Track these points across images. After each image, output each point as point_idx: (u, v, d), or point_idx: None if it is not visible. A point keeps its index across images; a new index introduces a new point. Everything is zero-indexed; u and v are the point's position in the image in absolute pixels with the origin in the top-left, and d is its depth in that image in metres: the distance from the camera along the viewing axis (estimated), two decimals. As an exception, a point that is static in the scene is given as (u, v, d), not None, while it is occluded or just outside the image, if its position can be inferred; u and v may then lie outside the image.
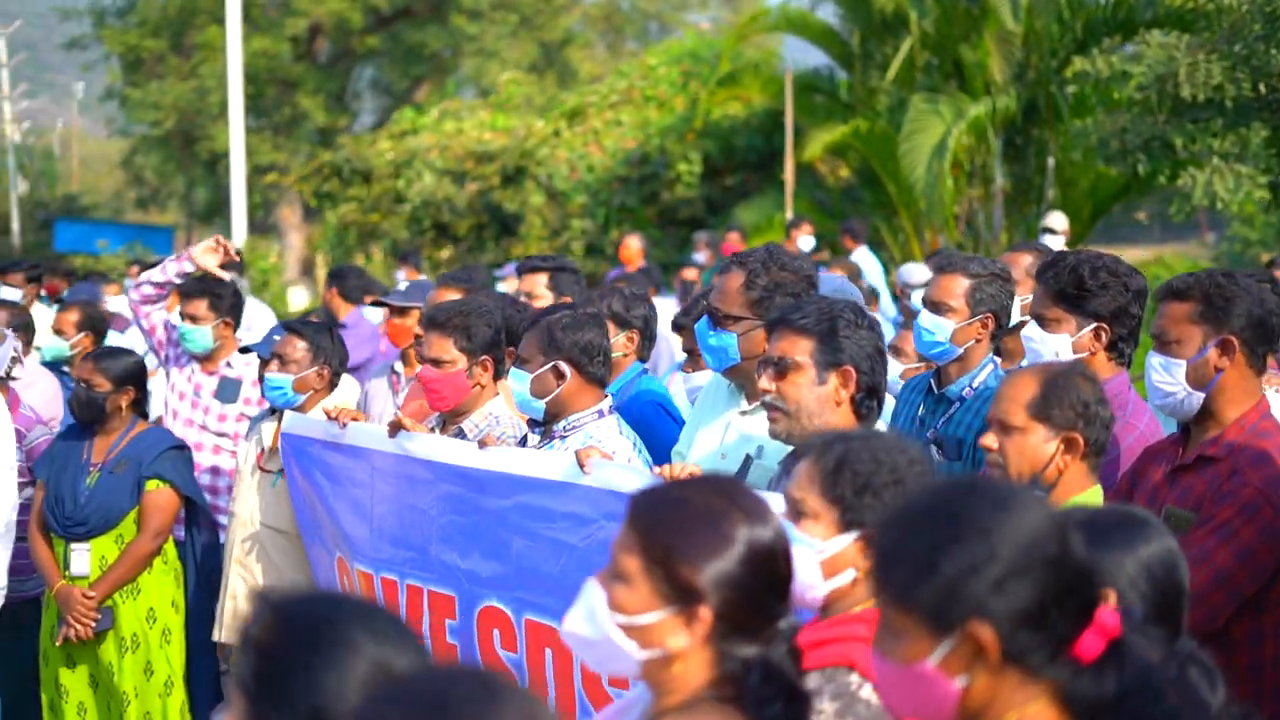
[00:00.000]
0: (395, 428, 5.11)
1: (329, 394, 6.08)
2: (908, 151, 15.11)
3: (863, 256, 13.67)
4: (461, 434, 5.28)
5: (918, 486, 2.83)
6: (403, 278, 16.50)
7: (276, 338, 6.13)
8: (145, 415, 6.45)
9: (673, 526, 2.47)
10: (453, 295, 6.23)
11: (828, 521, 2.91)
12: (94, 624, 6.09)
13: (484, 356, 5.24)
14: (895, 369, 6.09)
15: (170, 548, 6.31)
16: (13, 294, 11.13)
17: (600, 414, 4.83)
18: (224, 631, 6.08)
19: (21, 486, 6.49)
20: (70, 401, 6.33)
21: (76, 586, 6.11)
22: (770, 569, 2.48)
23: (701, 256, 15.23)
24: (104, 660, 6.17)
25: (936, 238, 16.12)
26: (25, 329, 7.91)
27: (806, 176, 18.16)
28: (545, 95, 28.32)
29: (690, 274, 13.29)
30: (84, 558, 6.15)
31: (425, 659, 2.05)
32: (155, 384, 7.85)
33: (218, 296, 7.29)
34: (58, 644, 6.17)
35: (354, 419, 5.37)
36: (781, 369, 3.92)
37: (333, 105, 36.26)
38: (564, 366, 4.78)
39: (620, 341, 5.78)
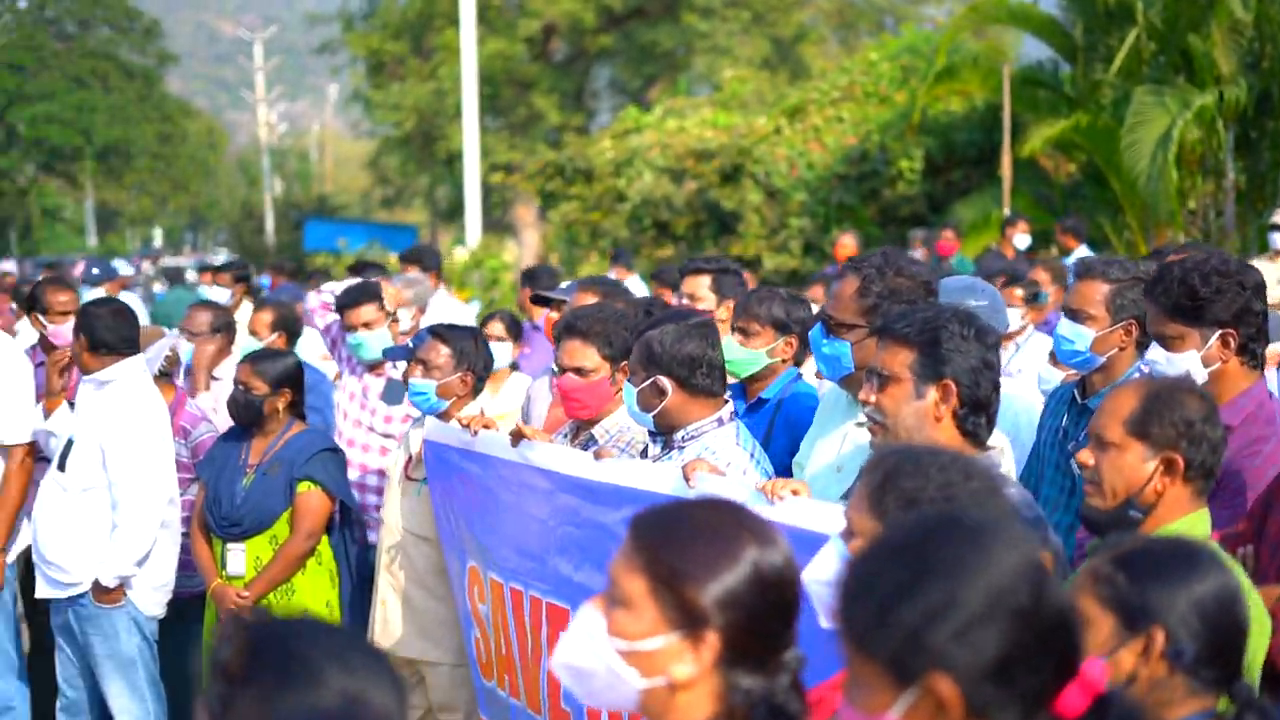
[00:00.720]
0: (517, 436, 5.05)
1: (473, 400, 6.04)
2: (1131, 145, 14.56)
3: (1083, 256, 13.21)
4: (593, 441, 5.20)
5: (972, 505, 2.65)
6: (612, 278, 16.58)
7: (419, 342, 6.13)
8: (303, 417, 6.51)
9: (678, 546, 2.35)
10: (590, 300, 6.14)
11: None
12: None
13: (624, 363, 5.13)
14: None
15: (325, 549, 6.36)
16: (221, 294, 11.46)
17: (720, 422, 4.69)
18: (375, 636, 6.09)
19: (188, 484, 6.64)
20: (229, 403, 6.43)
21: (232, 586, 6.20)
22: (778, 594, 2.34)
23: (918, 255, 14.92)
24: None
25: (1163, 235, 15.50)
26: (227, 329, 8.08)
27: (1029, 173, 17.66)
28: (776, 92, 28.18)
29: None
30: (239, 558, 6.24)
31: (397, 692, 1.96)
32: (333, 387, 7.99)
33: (378, 297, 7.36)
34: (213, 643, 6.26)
35: (484, 426, 5.33)
36: (882, 381, 3.73)
37: (568, 104, 36.65)
38: (664, 381, 4.64)
39: (780, 346, 5.63)
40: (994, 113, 17.30)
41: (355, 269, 11.07)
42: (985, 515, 2.03)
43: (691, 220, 20.93)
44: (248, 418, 6.34)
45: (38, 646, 7.64)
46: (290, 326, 8.57)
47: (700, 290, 6.78)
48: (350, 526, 6.47)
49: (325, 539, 6.37)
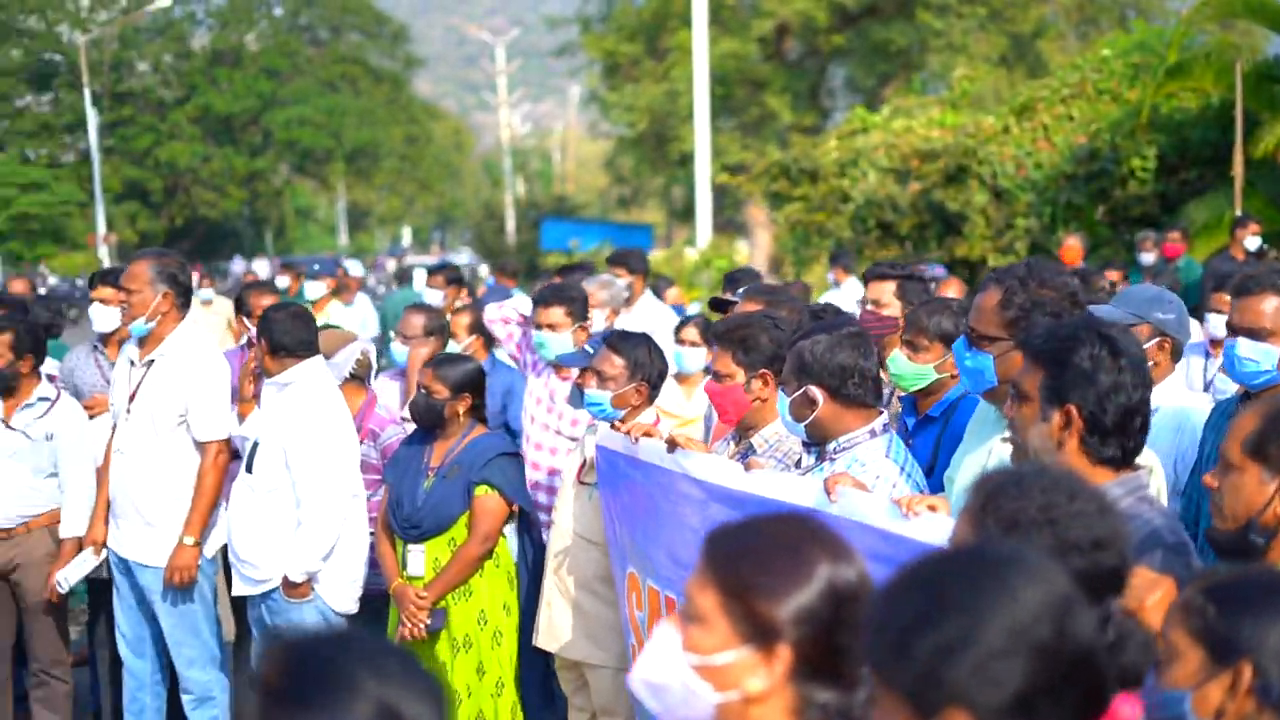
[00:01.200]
0: (671, 444, 5.07)
1: (648, 408, 6.07)
2: (1371, 144, 13.94)
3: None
4: (751, 450, 5.19)
5: (1078, 527, 2.58)
6: (832, 279, 16.45)
7: (593, 350, 6.18)
8: (484, 421, 6.63)
9: (750, 561, 2.35)
10: (752, 308, 6.11)
11: None
12: (426, 624, 6.31)
13: (763, 370, 5.11)
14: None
15: (503, 551, 6.47)
16: (434, 296, 11.71)
17: (872, 434, 4.64)
18: (541, 637, 6.18)
19: (376, 486, 6.82)
20: (410, 407, 6.57)
21: (411, 586, 6.34)
22: (853, 609, 2.32)
23: (1149, 257, 14.49)
24: (438, 659, 6.37)
25: None
26: (440, 333, 8.25)
27: (1265, 172, 16.99)
28: (1012, 90, 27.67)
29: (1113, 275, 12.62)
30: (419, 559, 6.38)
31: (435, 706, 1.99)
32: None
33: (573, 302, 7.42)
34: (396, 641, 6.44)
35: (645, 434, 5.36)
36: (1018, 397, 3.64)
37: (801, 104, 36.55)
38: (815, 392, 4.60)
39: (949, 360, 5.53)
40: (1230, 110, 16.70)
41: (561, 270, 11.19)
42: (1009, 548, 1.98)
43: (915, 221, 20.66)
44: (429, 421, 6.48)
45: (240, 639, 7.93)
46: (487, 329, 8.71)
47: (885, 296, 6.70)
48: (531, 529, 6.57)
49: (503, 541, 6.49)
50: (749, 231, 35.50)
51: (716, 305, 7.17)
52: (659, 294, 13.38)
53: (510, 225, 56.51)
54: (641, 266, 11.30)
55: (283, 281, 16.42)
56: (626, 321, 9.99)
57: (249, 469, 6.42)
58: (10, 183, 64.37)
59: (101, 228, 54.48)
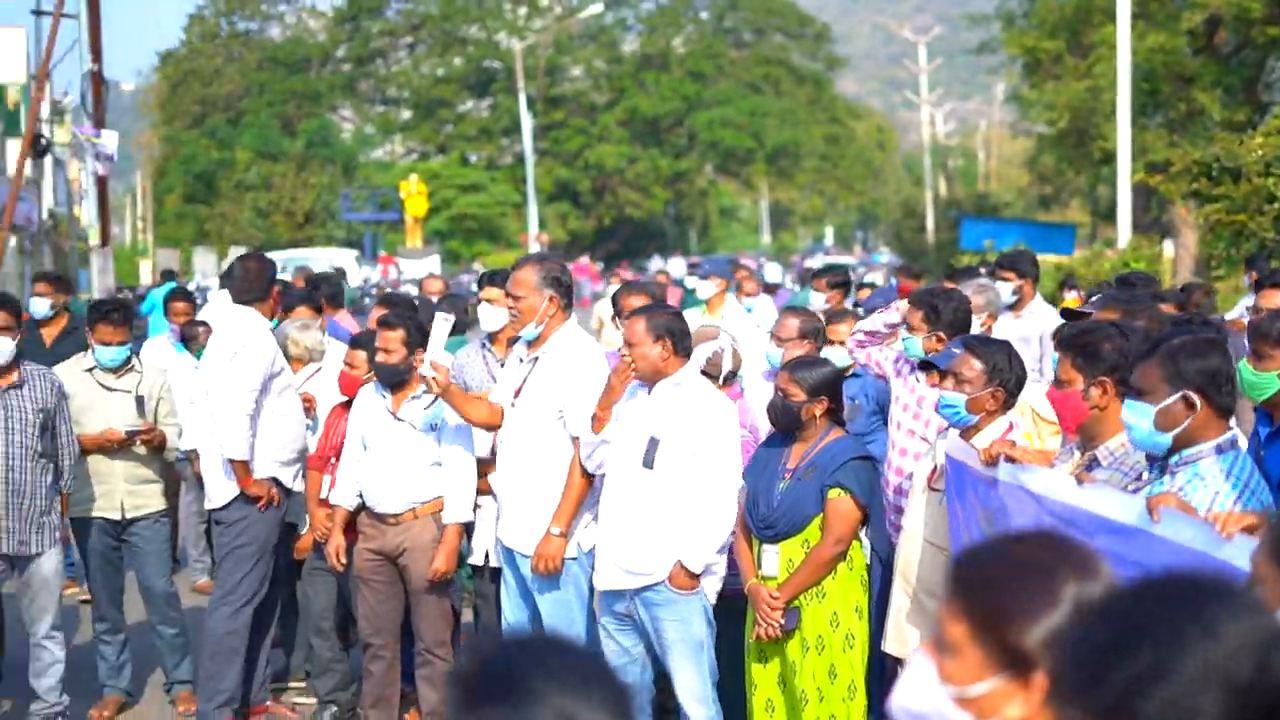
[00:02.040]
0: (996, 457, 4.99)
1: (1003, 414, 5.97)
2: None
3: None
4: (1096, 463, 5.05)
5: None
6: (1248, 283, 15.65)
7: (956, 352, 6.10)
8: (842, 424, 6.64)
9: (995, 587, 2.30)
10: (1111, 316, 5.92)
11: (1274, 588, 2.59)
12: (779, 624, 6.38)
13: (1103, 378, 4.96)
14: None
15: (857, 554, 6.48)
16: (818, 299, 11.75)
17: (1218, 449, 4.45)
18: (890, 643, 6.16)
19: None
20: (768, 408, 6.65)
21: (765, 586, 6.42)
22: None
23: None
24: (789, 659, 6.43)
25: None
26: (815, 336, 8.26)
27: None
28: None
29: None
30: (773, 559, 6.45)
31: (616, 712, 2.06)
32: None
33: (933, 308, 7.35)
34: (750, 640, 6.54)
35: (994, 455, 5.26)
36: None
37: (1233, 100, 34.86)
38: (1194, 397, 4.44)
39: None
40: None
41: (951, 273, 11.08)
42: (1215, 579, 1.90)
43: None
44: (785, 423, 6.55)
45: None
46: (811, 335, 8.61)
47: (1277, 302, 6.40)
48: (885, 533, 6.56)
49: (857, 544, 6.49)
50: (1175, 232, 34.08)
51: (1070, 315, 6.97)
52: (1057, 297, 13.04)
53: (930, 224, 55.97)
54: (1031, 270, 11.05)
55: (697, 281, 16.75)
56: (1012, 326, 9.81)
57: (647, 464, 6.56)
58: (452, 184, 67.87)
59: (534, 227, 56.82)
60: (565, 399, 6.86)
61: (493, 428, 7.21)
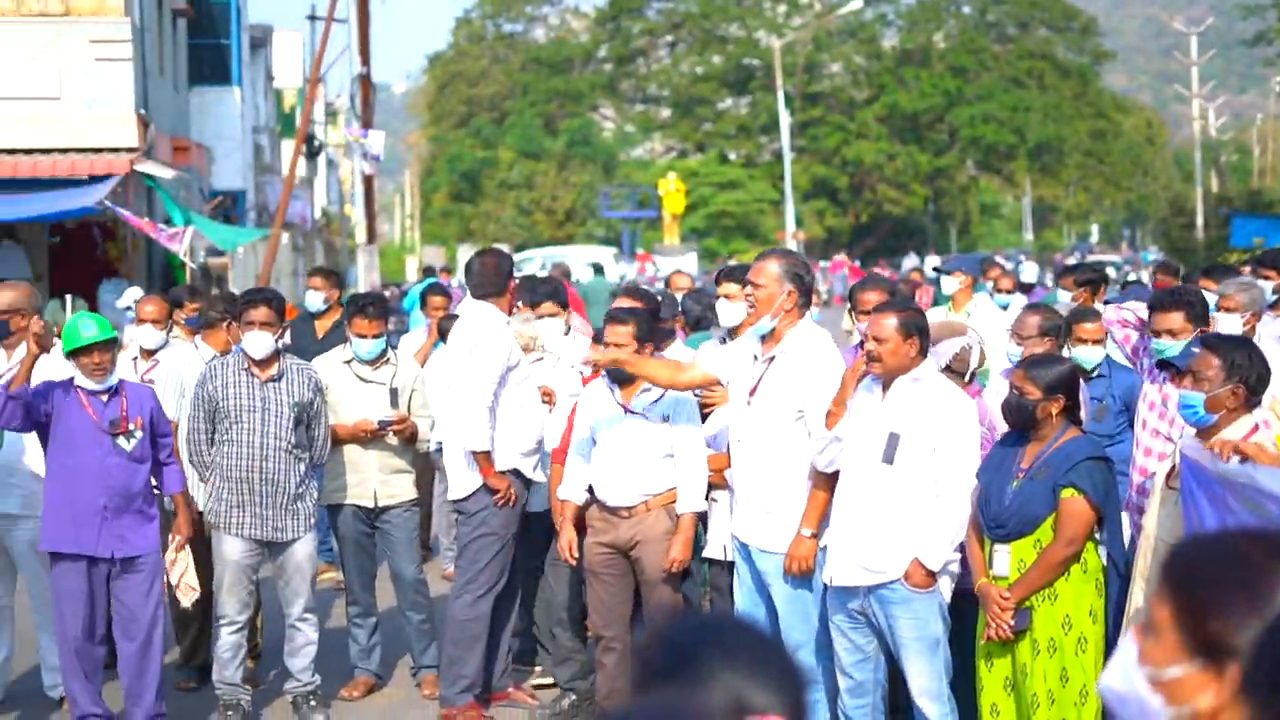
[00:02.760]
0: (1243, 455, 4.86)
1: (1248, 413, 5.81)
2: None
3: None
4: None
5: None
6: None
7: (1195, 350, 5.97)
8: (1078, 423, 6.53)
9: (1207, 576, 2.30)
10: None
11: None
12: (1010, 624, 6.30)
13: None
14: None
15: (1091, 556, 6.35)
16: (1065, 297, 11.47)
17: None
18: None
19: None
20: (1002, 406, 6.58)
21: (996, 586, 6.35)
22: None
23: None
24: (1019, 660, 6.35)
25: None
26: (1056, 334, 8.16)
27: None
28: None
29: None
30: (1004, 559, 6.37)
31: (785, 694, 2.09)
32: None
33: (1191, 306, 7.19)
34: (981, 641, 6.47)
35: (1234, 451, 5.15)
36: None
37: None
38: None
39: None
40: None
41: (1207, 272, 10.75)
42: None
43: None
44: (1020, 421, 6.46)
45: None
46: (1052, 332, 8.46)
47: None
48: (1113, 536, 6.42)
49: (1092, 546, 6.37)
50: None
51: None
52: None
53: (1199, 221, 54.23)
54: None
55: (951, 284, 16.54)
56: (1274, 326, 9.48)
57: (888, 460, 6.56)
58: (710, 182, 68.27)
59: (791, 224, 56.78)
60: (804, 399, 6.87)
61: (681, 387, 7.29)
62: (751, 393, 7.01)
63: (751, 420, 7.02)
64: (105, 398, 7.56)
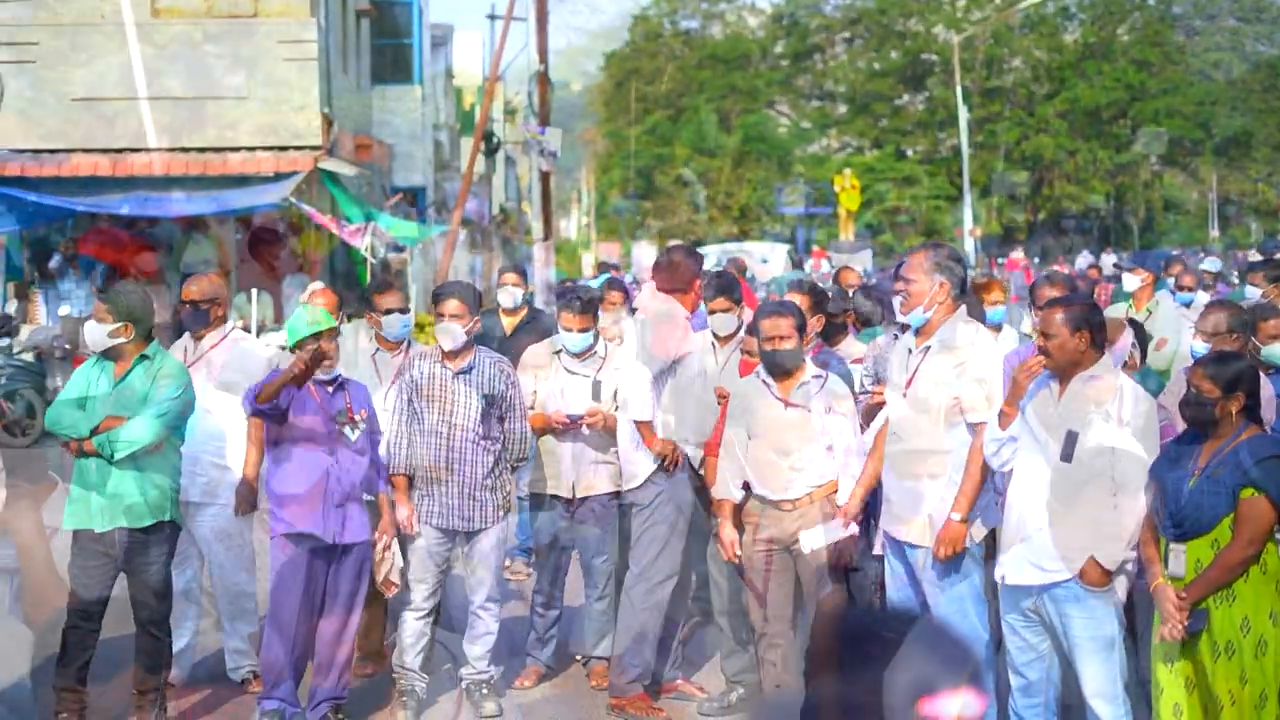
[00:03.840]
0: None
1: None
2: None
3: None
4: None
5: None
6: None
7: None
8: (1259, 422, 6.41)
9: None
10: None
11: None
12: (1184, 625, 6.20)
13: None
14: None
15: (1272, 557, 6.22)
16: (1254, 293, 11.25)
17: None
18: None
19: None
20: (1180, 405, 6.48)
21: (1171, 587, 6.26)
22: None
23: None
24: (1199, 661, 6.25)
25: None
26: (1243, 330, 8.04)
27: None
28: None
29: None
30: (1180, 559, 6.27)
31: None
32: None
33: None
34: (1155, 641, 6.38)
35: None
36: None
37: None
38: None
39: None
40: None
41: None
42: None
43: None
44: (1198, 420, 6.36)
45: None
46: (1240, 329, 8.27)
47: None
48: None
49: (1273, 547, 6.25)
50: None
51: None
52: None
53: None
54: None
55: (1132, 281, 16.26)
56: None
57: (1066, 459, 6.47)
58: (886, 178, 67.73)
59: (968, 221, 56.09)
60: (960, 389, 6.86)
61: None
62: (908, 385, 7.00)
63: (908, 412, 7.01)
64: (330, 389, 7.81)
